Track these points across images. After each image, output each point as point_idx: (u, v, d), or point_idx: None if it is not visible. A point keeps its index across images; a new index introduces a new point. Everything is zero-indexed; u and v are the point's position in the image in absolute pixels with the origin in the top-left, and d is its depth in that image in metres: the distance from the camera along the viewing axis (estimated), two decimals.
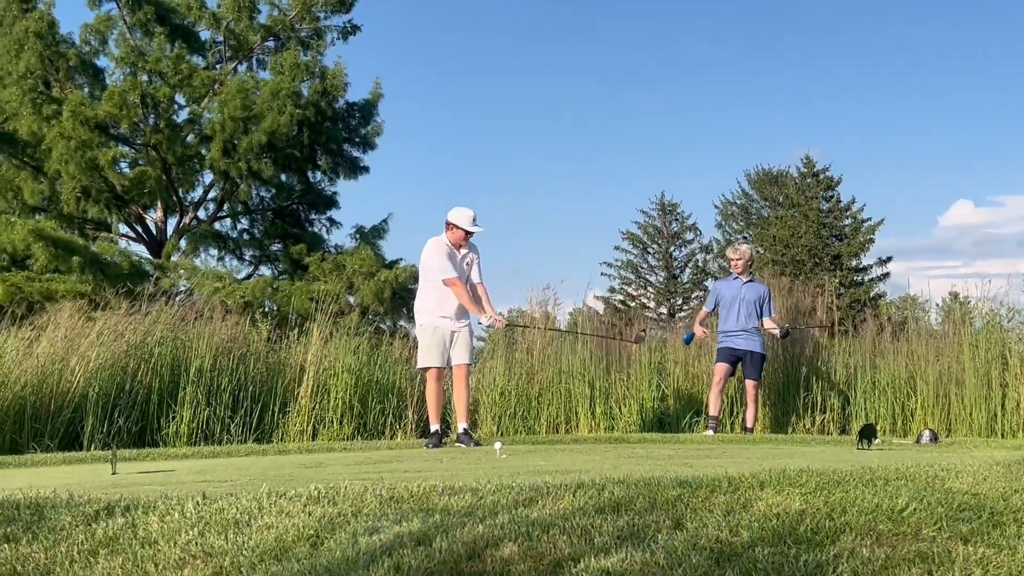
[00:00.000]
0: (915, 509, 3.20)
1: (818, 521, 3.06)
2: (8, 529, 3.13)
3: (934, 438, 9.13)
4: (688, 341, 11.48)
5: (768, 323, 10.95)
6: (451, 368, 9.14)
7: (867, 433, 7.89)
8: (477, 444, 8.82)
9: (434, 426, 8.95)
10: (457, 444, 8.87)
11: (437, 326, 8.92)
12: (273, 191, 24.74)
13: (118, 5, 23.18)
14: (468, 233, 9.02)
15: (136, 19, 23.13)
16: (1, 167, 22.56)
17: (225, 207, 25.03)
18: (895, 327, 12.44)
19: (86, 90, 23.21)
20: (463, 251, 9.09)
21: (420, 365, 9.10)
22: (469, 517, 3.09)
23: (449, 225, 9.03)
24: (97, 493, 3.80)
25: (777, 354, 11.74)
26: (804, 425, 11.44)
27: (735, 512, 3.15)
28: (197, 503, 3.34)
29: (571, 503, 3.25)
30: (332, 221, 25.68)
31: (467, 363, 9.08)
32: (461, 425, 9.00)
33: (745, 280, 11.04)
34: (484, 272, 9.24)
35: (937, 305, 13.32)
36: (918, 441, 9.16)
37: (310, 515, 3.17)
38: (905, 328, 12.36)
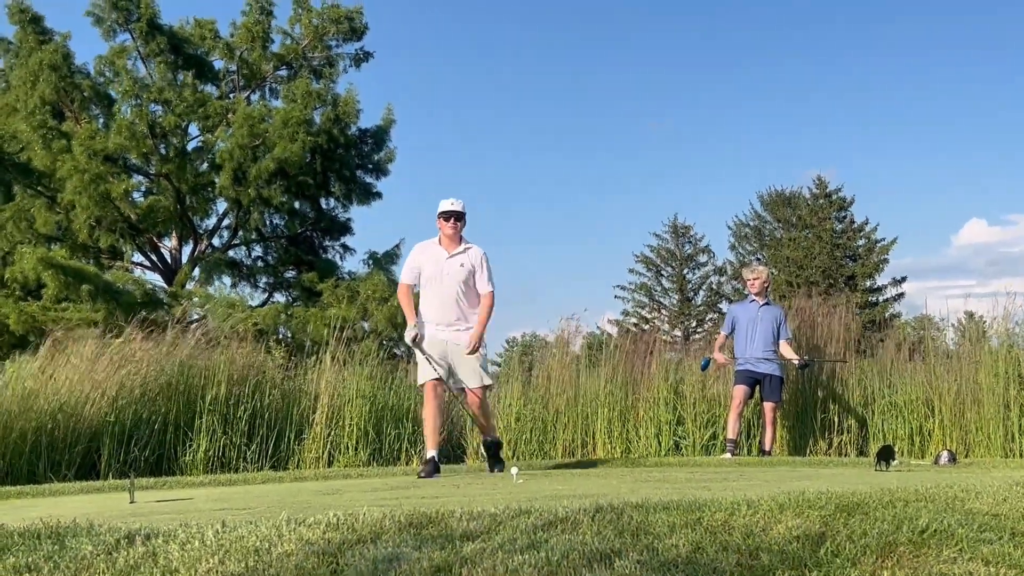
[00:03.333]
0: (936, 530, 3.18)
1: (838, 543, 3.04)
2: (30, 559, 3.13)
3: (952, 459, 9.08)
4: (705, 367, 11.41)
5: (787, 350, 10.91)
6: (463, 392, 8.51)
7: (885, 454, 7.85)
8: (499, 464, 8.51)
9: (429, 452, 8.03)
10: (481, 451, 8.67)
11: (425, 336, 8.21)
12: (286, 218, 24.86)
13: (132, 36, 23.38)
14: (448, 217, 8.28)
15: (150, 49, 23.34)
16: (16, 197, 22.71)
17: (239, 235, 25.15)
18: (912, 347, 12.36)
19: (101, 120, 23.40)
20: (458, 249, 8.34)
21: (418, 382, 8.35)
22: (488, 543, 3.09)
23: (437, 220, 8.42)
24: (117, 522, 3.81)
25: (793, 377, 11.68)
26: (821, 447, 11.39)
27: (755, 535, 3.14)
28: (217, 531, 3.34)
29: (590, 528, 3.24)
30: (346, 247, 25.83)
31: (483, 385, 8.27)
32: (488, 436, 8.67)
33: (761, 303, 11.02)
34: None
35: (953, 325, 13.24)
36: (936, 462, 9.12)
37: (329, 542, 3.17)
38: (922, 348, 12.29)
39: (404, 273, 8.60)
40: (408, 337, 8.24)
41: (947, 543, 3.07)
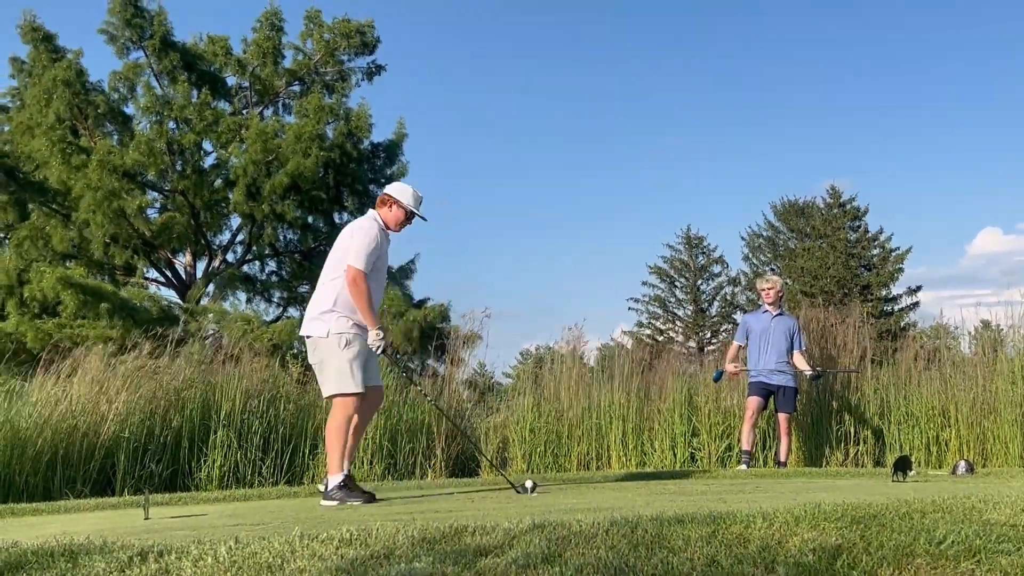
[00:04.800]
0: (953, 542, 3.15)
1: (855, 556, 3.02)
2: None
3: (970, 469, 9.01)
4: (717, 379, 11.34)
5: (800, 361, 10.85)
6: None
7: (902, 465, 7.81)
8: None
9: (346, 470, 6.82)
10: (334, 500, 6.71)
11: (358, 335, 6.80)
12: (299, 233, 24.92)
13: (146, 53, 23.52)
14: (409, 217, 7.13)
15: (163, 66, 23.48)
16: (31, 215, 22.83)
17: (253, 250, 25.23)
18: (928, 356, 12.29)
19: (115, 137, 23.54)
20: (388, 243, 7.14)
21: (343, 390, 6.74)
22: (503, 558, 3.07)
23: (388, 202, 7.07)
24: (130, 539, 3.81)
25: (808, 387, 11.62)
26: (837, 458, 11.33)
27: (771, 548, 3.12)
28: (230, 547, 3.34)
29: (604, 542, 3.22)
30: None
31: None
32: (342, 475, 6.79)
33: (775, 313, 10.96)
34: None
35: (969, 334, 13.15)
36: (953, 472, 9.05)
37: (342, 558, 3.16)
38: (937, 357, 12.22)
39: (367, 258, 6.86)
40: (382, 341, 6.87)
41: (965, 555, 3.04)
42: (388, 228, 7.09)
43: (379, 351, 6.91)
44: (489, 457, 11.22)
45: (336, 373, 6.76)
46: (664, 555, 3.04)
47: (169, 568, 3.14)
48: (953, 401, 11.20)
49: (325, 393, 6.91)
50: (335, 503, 6.63)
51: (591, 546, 3.18)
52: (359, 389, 6.75)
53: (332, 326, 6.79)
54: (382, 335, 6.87)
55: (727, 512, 3.72)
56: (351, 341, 6.77)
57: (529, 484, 7.31)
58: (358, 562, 3.10)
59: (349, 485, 6.78)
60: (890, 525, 3.38)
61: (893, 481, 7.61)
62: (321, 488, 7.04)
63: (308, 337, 6.94)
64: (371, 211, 7.18)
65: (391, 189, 7.20)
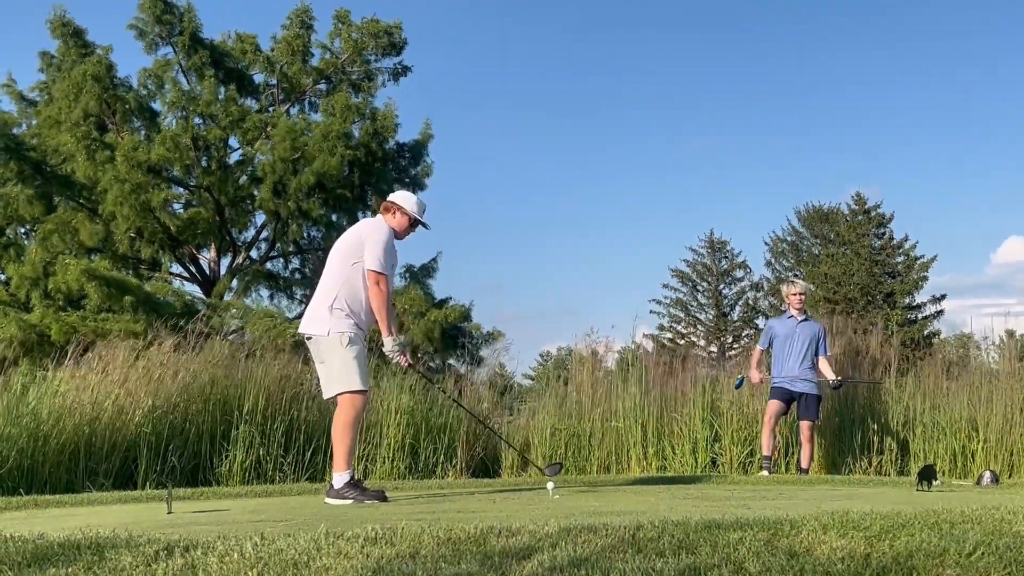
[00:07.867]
0: (983, 553, 3.12)
1: (884, 565, 2.99)
2: (69, 570, 3.13)
3: (995, 479, 8.95)
4: (739, 386, 11.25)
5: (825, 367, 10.78)
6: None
7: (927, 474, 7.76)
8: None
9: (351, 470, 6.82)
10: (347, 499, 6.69)
11: (359, 335, 6.92)
12: (323, 230, 24.94)
13: (174, 50, 23.61)
14: (413, 225, 7.24)
15: (192, 63, 23.56)
16: (58, 209, 22.93)
17: (277, 247, 25.28)
18: (954, 366, 12.21)
19: (143, 133, 23.61)
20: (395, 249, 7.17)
21: (348, 388, 6.76)
22: (528, 560, 3.06)
23: (391, 208, 7.20)
24: (155, 533, 3.81)
25: (831, 396, 11.53)
26: (861, 466, 11.25)
27: (799, 556, 3.09)
28: (256, 544, 3.33)
29: (631, 546, 3.20)
30: None
31: None
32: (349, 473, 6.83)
33: (800, 319, 10.90)
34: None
35: (995, 343, 13.06)
36: (979, 482, 8.99)
37: (368, 556, 3.15)
38: (964, 367, 12.14)
39: (385, 261, 6.96)
40: (398, 346, 7.07)
41: (996, 566, 3.01)
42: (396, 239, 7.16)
43: (394, 359, 7.07)
44: (515, 450, 11.21)
45: (341, 371, 6.79)
46: (691, 560, 3.02)
47: (195, 563, 3.14)
48: (980, 411, 11.11)
49: (327, 393, 6.92)
50: (348, 502, 6.62)
51: (618, 551, 3.16)
52: (364, 387, 6.79)
53: (333, 325, 6.85)
54: (399, 341, 7.02)
55: (754, 519, 3.70)
56: (353, 340, 6.82)
57: (550, 486, 7.28)
58: (384, 561, 3.09)
59: (360, 486, 6.84)
60: (919, 535, 3.35)
61: (918, 490, 7.56)
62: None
63: (309, 337, 7.02)
64: (379, 216, 7.25)
65: (395, 197, 7.31)
